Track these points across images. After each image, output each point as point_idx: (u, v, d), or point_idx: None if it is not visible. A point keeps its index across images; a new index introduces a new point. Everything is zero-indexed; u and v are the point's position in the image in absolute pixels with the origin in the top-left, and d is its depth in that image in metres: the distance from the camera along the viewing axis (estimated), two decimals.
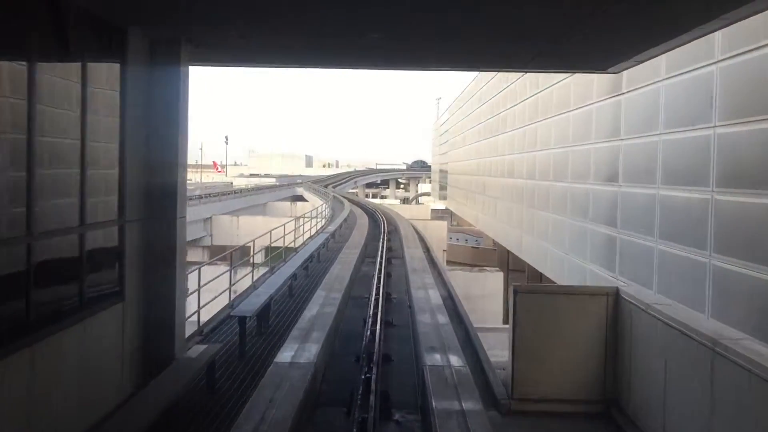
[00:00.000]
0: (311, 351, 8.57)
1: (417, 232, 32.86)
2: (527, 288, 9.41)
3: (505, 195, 28.44)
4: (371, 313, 11.89)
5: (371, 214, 42.16)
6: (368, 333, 10.45)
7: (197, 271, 11.59)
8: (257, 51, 9.47)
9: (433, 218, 65.22)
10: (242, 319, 9.95)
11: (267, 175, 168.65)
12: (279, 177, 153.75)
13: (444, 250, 48.89)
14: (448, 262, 48.99)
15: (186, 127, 8.49)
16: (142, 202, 7.93)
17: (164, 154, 8.18)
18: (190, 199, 46.89)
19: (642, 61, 9.16)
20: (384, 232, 30.35)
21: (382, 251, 22.50)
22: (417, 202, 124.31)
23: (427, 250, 25.95)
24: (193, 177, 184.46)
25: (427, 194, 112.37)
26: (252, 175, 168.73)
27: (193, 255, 46.20)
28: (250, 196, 59.26)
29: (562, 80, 19.20)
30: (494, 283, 23.95)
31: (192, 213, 43.77)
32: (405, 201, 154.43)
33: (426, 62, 10.57)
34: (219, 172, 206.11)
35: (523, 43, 8.39)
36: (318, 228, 32.88)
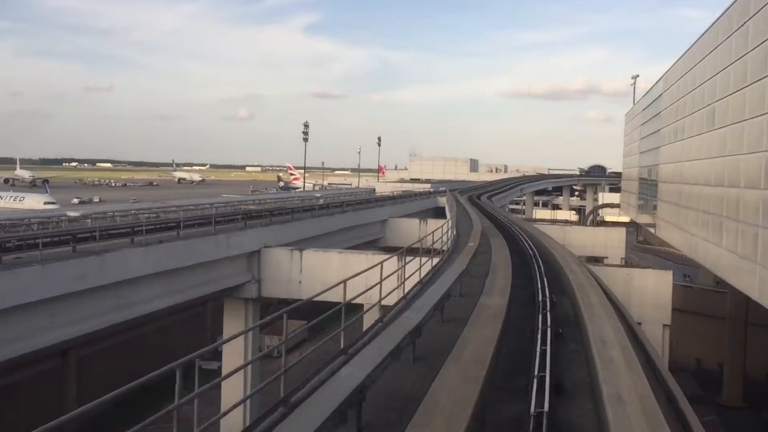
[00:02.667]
0: None
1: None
2: None
3: None
4: None
5: (523, 261, 21.31)
6: None
7: None
8: None
9: (634, 257, 42.84)
10: None
11: (428, 180, 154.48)
12: (438, 182, 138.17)
13: (666, 325, 26.74)
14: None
15: None
16: None
17: None
18: (232, 220, 29.07)
19: None
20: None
21: None
22: (596, 218, 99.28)
23: None
24: (353, 182, 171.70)
25: (612, 206, 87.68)
26: (413, 180, 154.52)
27: (234, 318, 27.92)
28: (355, 212, 40.26)
29: None
30: None
31: (226, 243, 25.71)
32: (580, 212, 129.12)
33: None
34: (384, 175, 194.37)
35: None
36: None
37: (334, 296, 11.12)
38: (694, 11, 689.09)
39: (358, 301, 12.59)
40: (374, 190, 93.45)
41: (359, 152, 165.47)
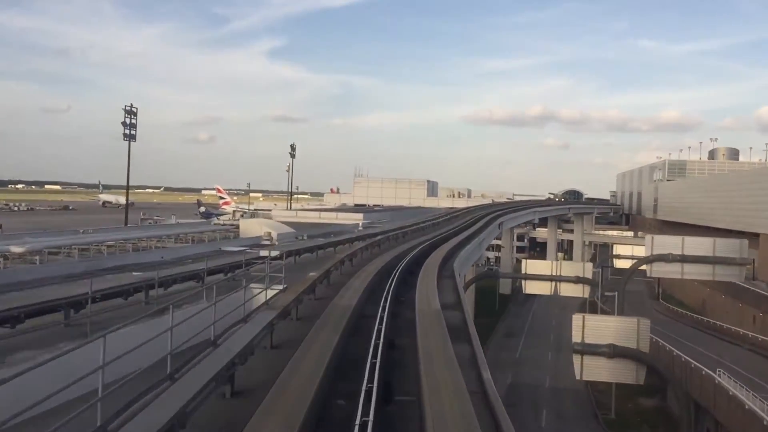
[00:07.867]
0: None
1: None
2: None
3: None
4: None
5: None
6: None
7: None
8: None
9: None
10: None
11: (374, 207, 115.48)
12: (385, 210, 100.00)
13: None
14: None
15: None
16: None
17: None
18: None
19: None
20: None
21: None
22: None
23: None
24: (289, 205, 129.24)
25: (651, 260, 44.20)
26: (357, 206, 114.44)
27: None
28: None
29: None
30: None
31: None
32: (565, 254, 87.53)
33: None
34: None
35: None
36: None
37: None
38: (651, 42, 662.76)
39: None
40: (241, 215, 50.03)
41: (288, 170, 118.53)
